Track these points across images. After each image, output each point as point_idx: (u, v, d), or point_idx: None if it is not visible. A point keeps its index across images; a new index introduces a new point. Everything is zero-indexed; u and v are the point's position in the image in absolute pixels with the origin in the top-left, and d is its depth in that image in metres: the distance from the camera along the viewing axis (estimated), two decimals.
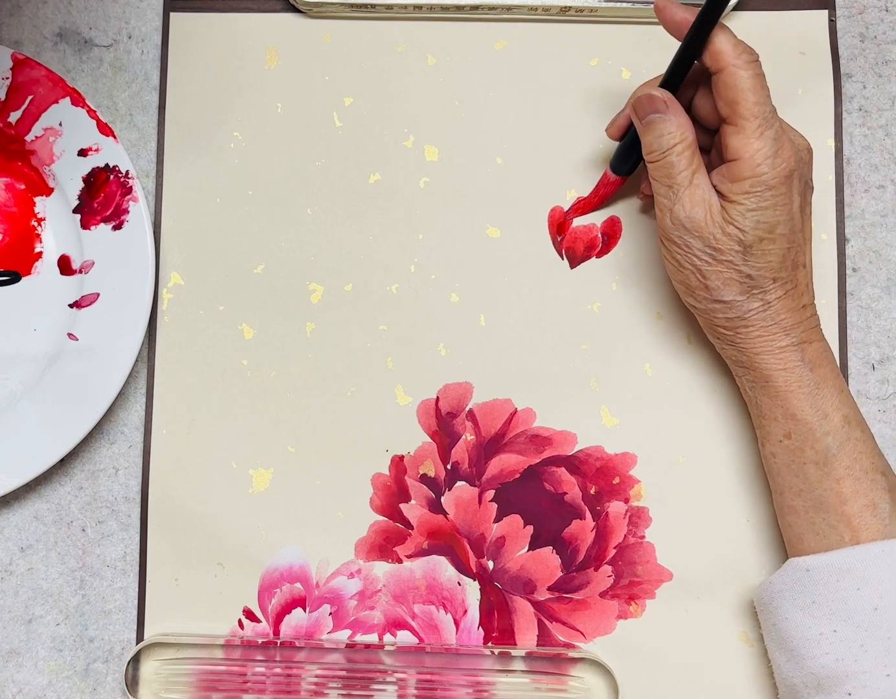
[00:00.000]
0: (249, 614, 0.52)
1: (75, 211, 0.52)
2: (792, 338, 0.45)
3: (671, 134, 0.45)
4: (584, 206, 0.53)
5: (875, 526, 0.44)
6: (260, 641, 0.51)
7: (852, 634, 0.43)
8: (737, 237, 0.44)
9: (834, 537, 0.44)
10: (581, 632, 0.51)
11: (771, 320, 0.45)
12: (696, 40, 0.45)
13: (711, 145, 0.48)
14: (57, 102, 0.52)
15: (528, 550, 0.52)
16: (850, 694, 0.43)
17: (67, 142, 0.52)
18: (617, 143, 0.51)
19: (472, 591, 0.52)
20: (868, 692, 0.42)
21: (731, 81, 0.43)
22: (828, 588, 0.44)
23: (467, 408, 0.52)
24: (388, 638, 0.51)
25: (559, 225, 0.53)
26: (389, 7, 0.53)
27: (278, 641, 0.51)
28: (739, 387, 0.49)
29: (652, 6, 0.52)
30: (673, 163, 0.45)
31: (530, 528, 0.52)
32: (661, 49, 0.53)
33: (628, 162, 0.50)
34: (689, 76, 0.46)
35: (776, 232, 0.44)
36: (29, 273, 0.53)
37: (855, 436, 0.45)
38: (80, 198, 0.52)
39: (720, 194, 0.45)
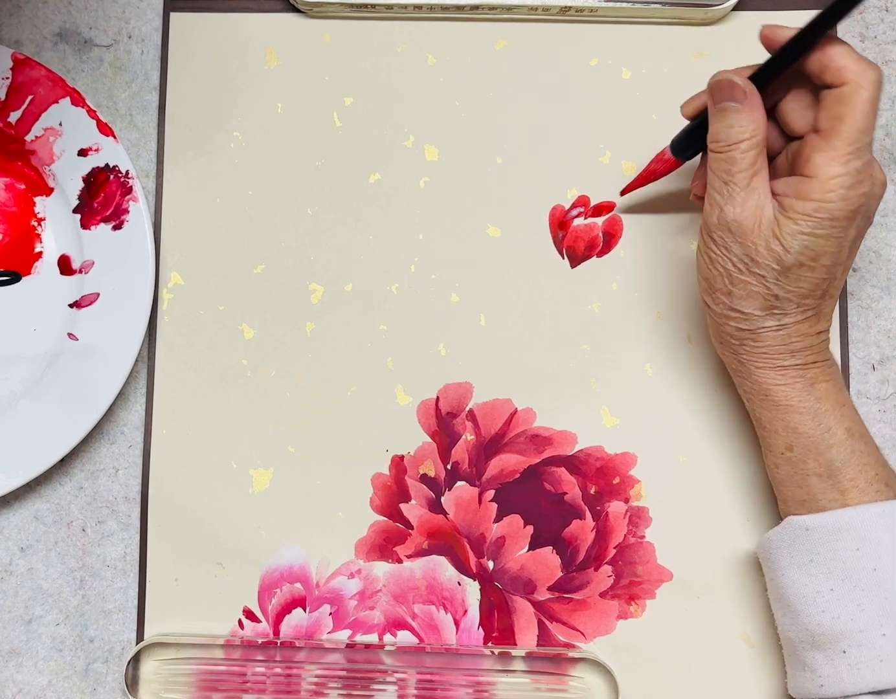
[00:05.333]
0: (249, 614, 0.52)
1: (75, 211, 0.52)
2: (797, 359, 0.44)
3: (742, 128, 0.42)
4: (632, 184, 0.51)
5: None
6: (260, 641, 0.51)
7: (849, 593, 0.43)
8: (777, 255, 0.42)
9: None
10: (581, 632, 0.51)
11: (781, 341, 0.44)
12: (804, 42, 0.42)
13: (782, 150, 0.46)
14: (57, 102, 0.51)
15: (528, 550, 0.52)
16: (844, 651, 0.42)
17: (67, 142, 0.52)
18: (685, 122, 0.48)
19: (472, 591, 0.52)
20: (863, 651, 0.42)
21: (847, 98, 0.41)
22: (826, 547, 0.43)
23: (467, 408, 0.52)
24: (388, 638, 0.51)
25: (561, 222, 0.53)
26: (389, 7, 0.53)
27: (278, 641, 0.51)
28: (741, 395, 0.48)
29: (652, 6, 0.53)
30: (735, 158, 0.42)
31: (530, 528, 0.52)
32: (661, 49, 0.53)
33: (690, 146, 0.48)
34: (783, 78, 0.43)
35: (819, 262, 0.42)
36: (29, 273, 0.53)
37: (859, 449, 0.44)
38: (80, 198, 0.52)
39: (779, 203, 0.42)
